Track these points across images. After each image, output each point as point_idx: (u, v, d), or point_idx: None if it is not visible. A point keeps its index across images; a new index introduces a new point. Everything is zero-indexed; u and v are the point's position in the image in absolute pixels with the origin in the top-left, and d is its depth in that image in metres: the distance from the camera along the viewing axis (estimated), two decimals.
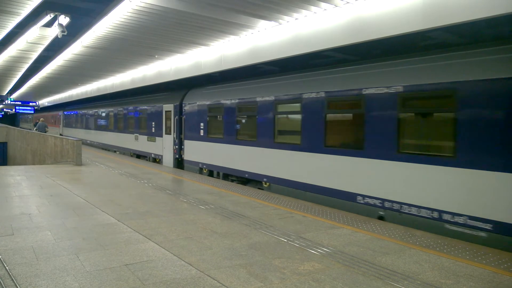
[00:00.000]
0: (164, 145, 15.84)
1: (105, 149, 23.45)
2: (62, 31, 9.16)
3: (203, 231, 6.13)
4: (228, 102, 12.01)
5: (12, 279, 4.09)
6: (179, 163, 15.00)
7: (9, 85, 25.55)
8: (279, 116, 10.14)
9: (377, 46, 8.20)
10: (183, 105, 14.70)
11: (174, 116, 15.09)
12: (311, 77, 9.45)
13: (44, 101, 38.51)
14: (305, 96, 9.20)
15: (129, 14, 8.06)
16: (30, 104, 39.67)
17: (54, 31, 9.71)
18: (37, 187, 9.77)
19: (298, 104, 9.44)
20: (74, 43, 11.20)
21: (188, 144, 14.27)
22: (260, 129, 10.56)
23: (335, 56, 9.55)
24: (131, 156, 19.46)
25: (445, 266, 4.89)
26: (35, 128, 23.67)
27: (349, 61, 9.24)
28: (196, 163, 13.68)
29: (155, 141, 16.69)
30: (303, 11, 7.71)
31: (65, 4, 11.71)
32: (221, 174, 12.38)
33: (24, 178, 11.16)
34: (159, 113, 16.30)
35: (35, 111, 43.00)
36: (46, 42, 11.60)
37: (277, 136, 10.06)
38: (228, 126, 11.98)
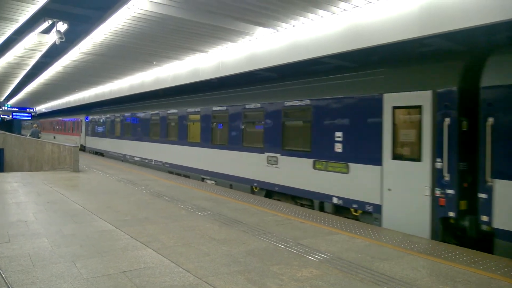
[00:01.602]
0: (388, 184, 7.45)
1: (182, 175, 14.49)
2: (60, 38, 9.21)
3: (201, 238, 6.11)
4: None
5: (8, 287, 4.06)
6: (448, 228, 6.73)
7: (6, 92, 25.53)
8: None
9: (374, 53, 8.26)
10: (482, 89, 6.09)
11: (440, 120, 6.64)
12: None
13: (42, 107, 38.46)
14: None
15: (128, 21, 8.10)
16: (27, 110, 39.64)
17: (52, 38, 9.75)
18: (34, 194, 9.73)
19: None
20: (72, 50, 11.24)
21: None
22: None
23: (331, 62, 9.61)
24: (254, 191, 10.93)
25: (442, 271, 4.89)
26: (29, 134, 23.53)
27: None
28: None
29: (347, 173, 8.23)
30: (301, 18, 7.77)
31: (63, 11, 11.75)
32: None
33: (21, 185, 11.11)
34: (366, 113, 7.90)
35: (32, 117, 42.84)
36: (44, 49, 11.63)
37: None
38: None
